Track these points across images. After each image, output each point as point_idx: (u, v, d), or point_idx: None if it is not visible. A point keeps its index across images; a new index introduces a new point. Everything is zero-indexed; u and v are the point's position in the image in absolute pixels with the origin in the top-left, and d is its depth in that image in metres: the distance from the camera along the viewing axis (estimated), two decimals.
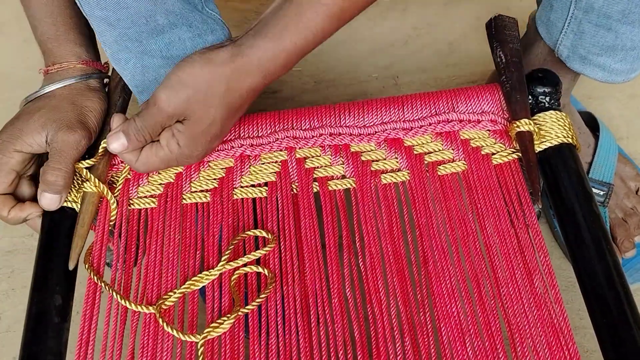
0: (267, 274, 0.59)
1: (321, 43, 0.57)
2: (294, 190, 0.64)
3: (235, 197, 0.64)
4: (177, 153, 0.58)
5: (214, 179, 0.65)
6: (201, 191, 0.64)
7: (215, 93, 0.55)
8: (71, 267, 0.59)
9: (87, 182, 0.62)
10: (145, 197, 0.64)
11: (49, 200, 0.61)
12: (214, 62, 0.55)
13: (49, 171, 0.60)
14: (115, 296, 0.57)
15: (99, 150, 0.63)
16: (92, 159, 0.63)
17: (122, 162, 0.65)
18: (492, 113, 0.65)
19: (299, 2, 0.54)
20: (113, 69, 0.68)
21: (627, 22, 0.66)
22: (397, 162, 0.64)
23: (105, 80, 0.69)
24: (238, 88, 0.56)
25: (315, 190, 0.63)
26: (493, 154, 0.64)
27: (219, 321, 0.56)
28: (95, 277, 0.58)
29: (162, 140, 0.58)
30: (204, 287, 0.59)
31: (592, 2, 0.67)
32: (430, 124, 0.65)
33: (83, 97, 0.65)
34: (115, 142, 0.57)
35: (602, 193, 0.80)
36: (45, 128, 0.62)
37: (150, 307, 0.57)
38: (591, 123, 0.87)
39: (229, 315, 0.56)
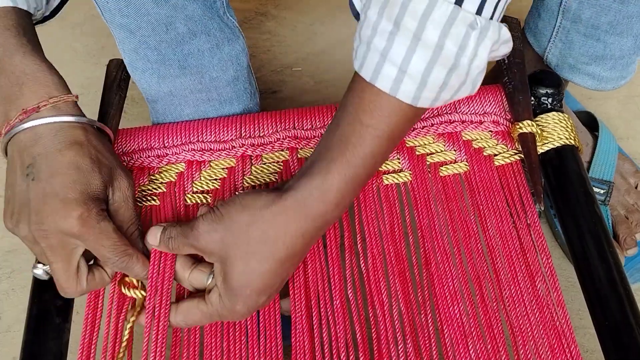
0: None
1: (377, 169, 0.52)
2: None
3: None
4: (217, 306, 0.52)
5: (216, 179, 0.64)
6: (202, 192, 0.64)
7: (253, 239, 0.50)
8: None
9: None
10: (147, 195, 0.64)
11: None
12: (253, 206, 0.50)
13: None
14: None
15: None
16: None
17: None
18: (495, 114, 0.65)
19: (342, 131, 0.49)
20: (109, 63, 0.68)
21: (615, 33, 0.66)
22: (399, 162, 0.64)
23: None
24: (281, 235, 0.50)
25: None
26: (495, 155, 0.64)
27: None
28: None
29: (207, 294, 0.53)
30: None
31: (579, 13, 0.66)
32: (432, 125, 0.65)
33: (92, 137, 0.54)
34: (151, 235, 0.54)
35: (602, 192, 0.80)
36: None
37: None
38: (591, 123, 0.88)
39: None
